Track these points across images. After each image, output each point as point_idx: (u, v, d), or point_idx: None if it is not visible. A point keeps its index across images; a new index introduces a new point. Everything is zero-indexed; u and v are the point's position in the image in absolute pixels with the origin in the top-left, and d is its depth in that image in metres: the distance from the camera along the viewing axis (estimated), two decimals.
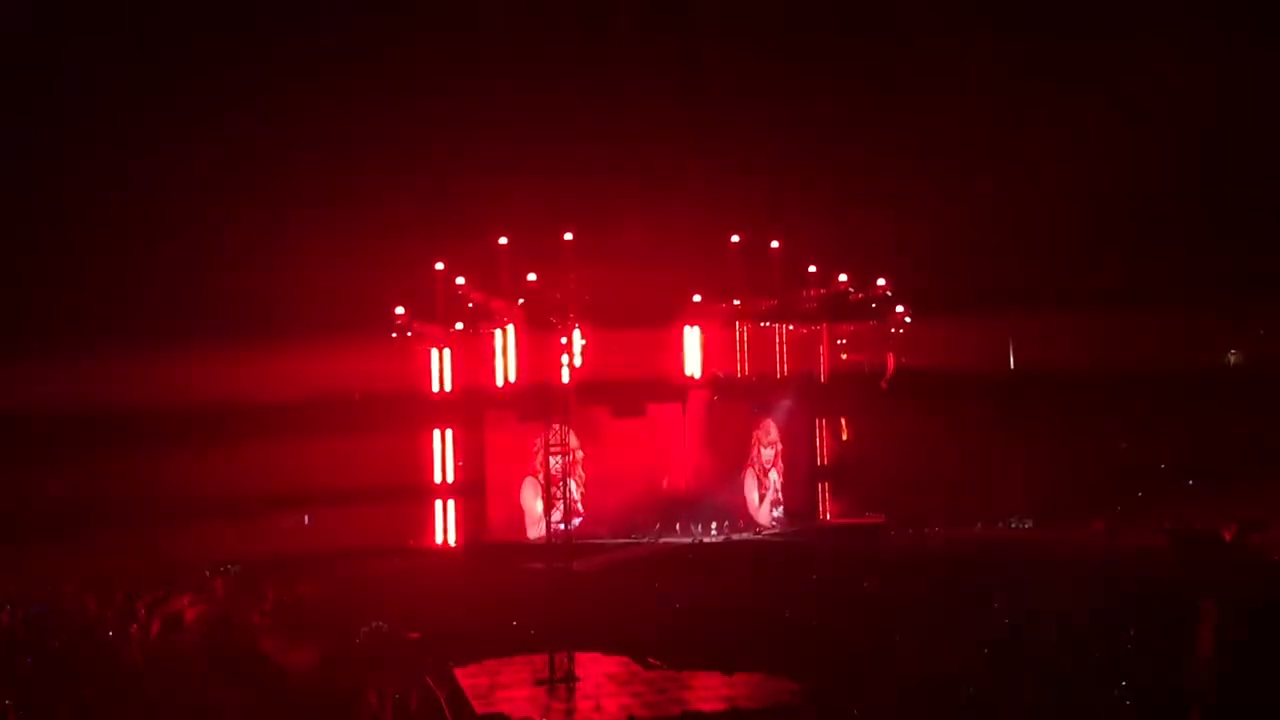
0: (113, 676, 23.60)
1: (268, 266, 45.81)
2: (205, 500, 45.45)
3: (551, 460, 32.80)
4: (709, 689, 27.18)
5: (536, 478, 46.41)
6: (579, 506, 47.29)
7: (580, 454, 48.24)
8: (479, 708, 25.36)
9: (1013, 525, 47.87)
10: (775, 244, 50.52)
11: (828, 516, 52.73)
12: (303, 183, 47.92)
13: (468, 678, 28.04)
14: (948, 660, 26.59)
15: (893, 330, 51.39)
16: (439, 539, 48.02)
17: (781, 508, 52.32)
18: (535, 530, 47.09)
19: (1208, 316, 46.64)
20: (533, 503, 47.92)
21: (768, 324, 52.17)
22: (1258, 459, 47.04)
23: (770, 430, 52.85)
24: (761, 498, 52.68)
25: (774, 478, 52.87)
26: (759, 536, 48.96)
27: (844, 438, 55.13)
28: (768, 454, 53.01)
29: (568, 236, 47.31)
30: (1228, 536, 40.89)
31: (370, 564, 40.84)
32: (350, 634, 30.73)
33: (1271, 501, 42.82)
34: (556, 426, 32.54)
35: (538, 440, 33.58)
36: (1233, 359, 56.31)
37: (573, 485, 46.81)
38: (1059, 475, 51.19)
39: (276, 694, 24.67)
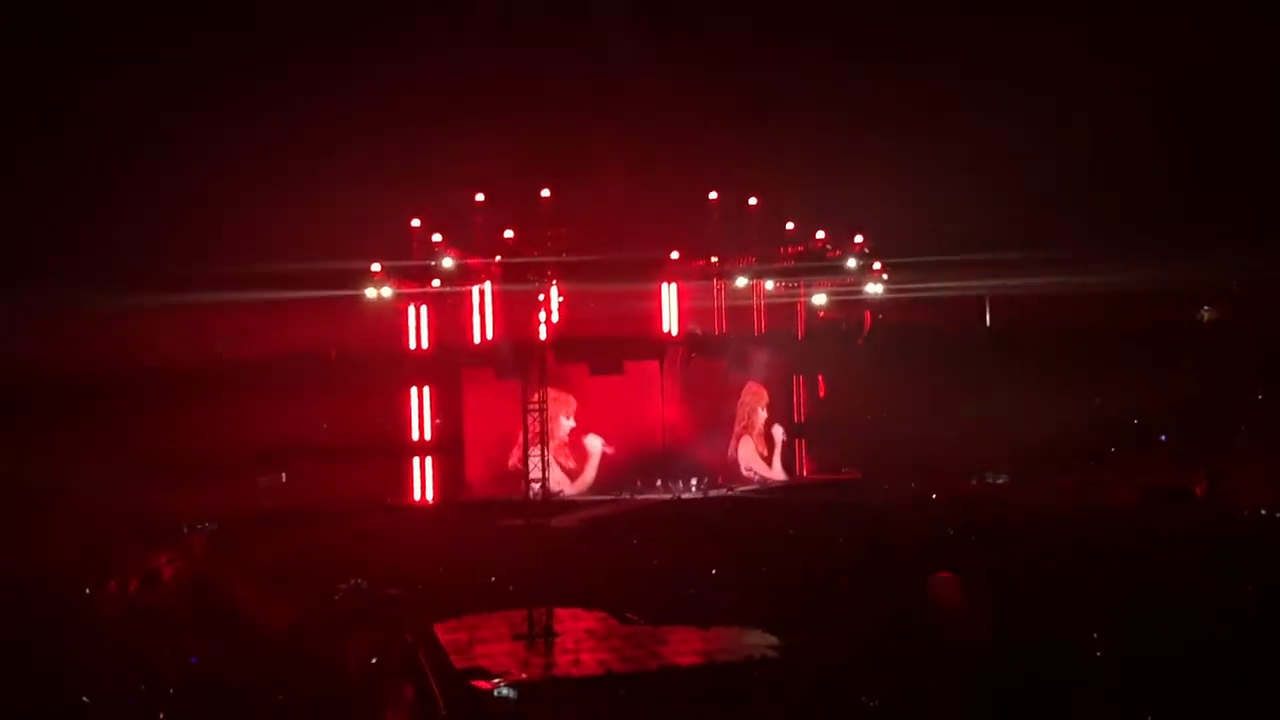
0: (91, 632, 23.62)
1: (242, 224, 45.53)
2: (181, 458, 45.35)
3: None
4: (686, 643, 27.44)
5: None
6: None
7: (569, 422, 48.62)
8: (458, 663, 25.48)
9: (988, 480, 48.27)
10: (753, 201, 50.43)
11: (804, 473, 53.07)
12: (278, 141, 47.45)
13: (447, 634, 28.18)
14: (919, 614, 27.00)
15: (870, 288, 51.45)
16: (417, 496, 48.08)
17: (757, 464, 52.70)
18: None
19: (1182, 273, 46.88)
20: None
21: (746, 281, 52.19)
22: (1229, 413, 47.59)
23: (764, 394, 53.11)
24: (768, 458, 53.07)
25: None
26: (734, 493, 49.23)
27: (821, 395, 55.39)
28: (763, 415, 53.32)
29: (545, 194, 47.09)
30: (1199, 491, 41.42)
31: (349, 521, 40.85)
32: (330, 591, 30.84)
33: (1240, 454, 43.35)
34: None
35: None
36: (1206, 315, 56.72)
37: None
38: (1034, 431, 51.62)
39: (256, 650, 24.75)
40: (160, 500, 41.94)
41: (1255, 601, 25.73)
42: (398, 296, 48.46)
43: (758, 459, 52.76)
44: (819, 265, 51.69)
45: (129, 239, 43.64)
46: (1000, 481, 47.56)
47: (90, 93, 44.85)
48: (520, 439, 36.38)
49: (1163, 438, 47.55)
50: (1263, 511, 37.47)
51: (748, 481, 51.44)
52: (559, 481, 47.32)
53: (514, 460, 45.91)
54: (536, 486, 32.24)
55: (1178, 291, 50.99)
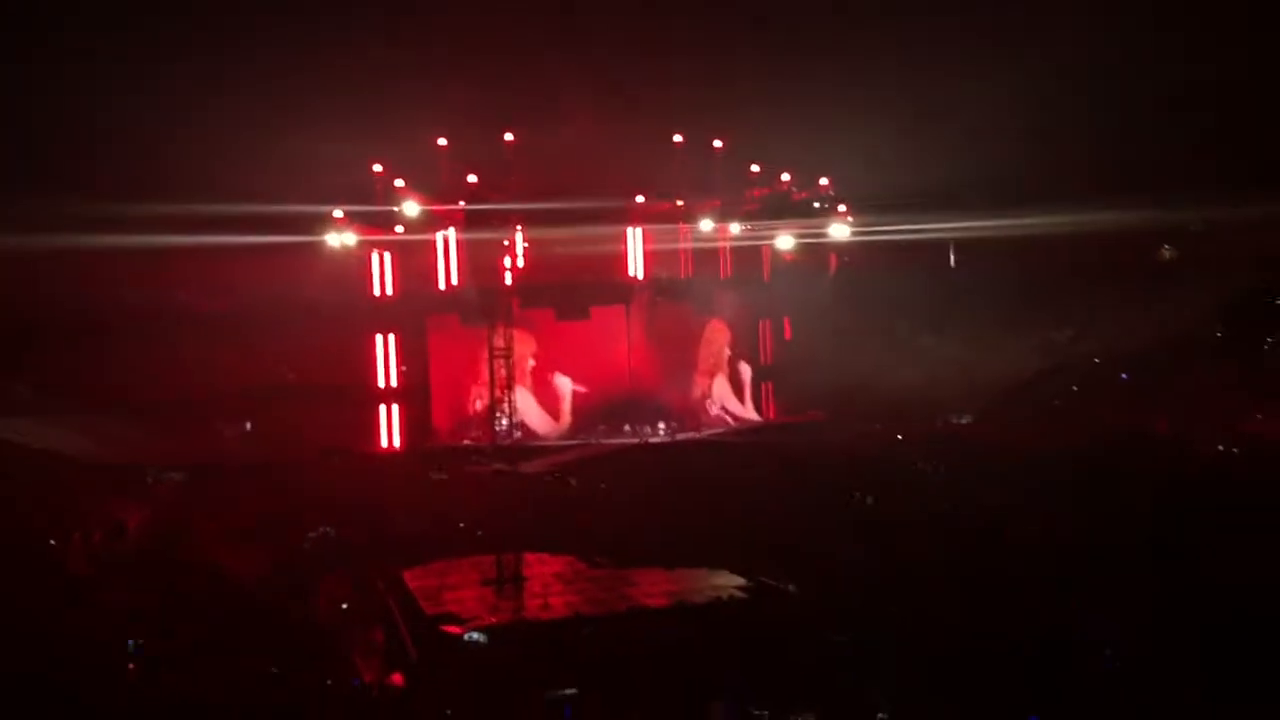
0: (57, 584, 23.50)
1: (200, 167, 44.75)
2: (144, 405, 45.01)
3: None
4: (654, 585, 27.66)
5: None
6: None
7: (531, 362, 48.51)
8: (428, 609, 25.59)
9: (953, 420, 48.67)
10: (718, 144, 50.18)
11: (771, 414, 53.33)
12: (236, 81, 46.57)
13: (416, 580, 28.25)
14: (884, 551, 27.31)
15: (835, 230, 51.47)
16: (384, 443, 47.96)
17: (724, 407, 52.93)
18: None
19: (1142, 212, 47.13)
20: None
21: (711, 224, 52.04)
22: (1190, 352, 48.08)
23: (728, 333, 53.24)
24: (741, 396, 53.31)
25: (745, 373, 53.62)
26: (702, 436, 49.46)
27: (787, 337, 55.55)
28: (728, 354, 53.53)
29: (508, 138, 46.66)
30: (1160, 429, 41.94)
31: (316, 469, 40.70)
32: (298, 539, 30.81)
33: (1201, 392, 43.86)
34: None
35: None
36: (1167, 254, 57.12)
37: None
38: (998, 371, 52.07)
39: (223, 599, 24.74)
40: (123, 449, 41.69)
41: (1213, 536, 26.18)
42: (360, 243, 48.04)
43: (731, 396, 53.05)
44: (784, 208, 51.64)
45: (82, 176, 42.74)
46: (965, 421, 47.95)
47: (49, 25, 43.99)
48: (486, 385, 36.35)
49: (1124, 376, 48.01)
50: (1220, 448, 38.02)
51: (715, 424, 51.68)
52: (535, 424, 47.62)
53: (480, 406, 45.93)
54: (503, 431, 32.31)
55: (1139, 232, 51.22)
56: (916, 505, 32.12)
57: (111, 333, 46.85)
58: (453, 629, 23.48)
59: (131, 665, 17.50)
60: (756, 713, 18.08)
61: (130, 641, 19.02)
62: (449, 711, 14.84)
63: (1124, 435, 39.09)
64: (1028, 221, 47.64)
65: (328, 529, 31.11)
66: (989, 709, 16.67)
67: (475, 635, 23.11)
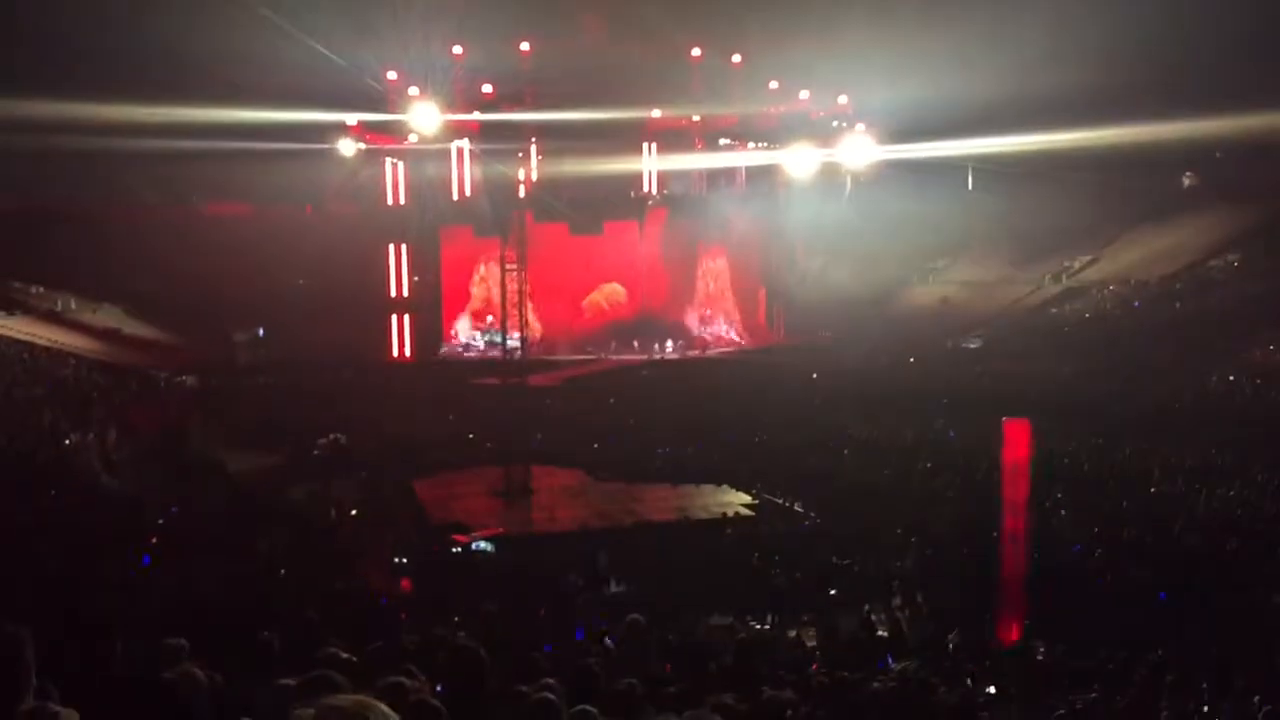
0: (71, 483, 23.79)
1: (218, 71, 44.32)
2: (157, 307, 45.24)
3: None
4: (660, 500, 27.90)
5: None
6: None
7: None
8: (435, 518, 25.87)
9: (963, 345, 48.63)
10: (736, 58, 49.46)
11: (781, 336, 53.32)
12: None
13: (424, 489, 28.56)
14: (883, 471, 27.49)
15: (853, 149, 50.90)
16: (394, 352, 48.12)
17: (734, 326, 52.98)
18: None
19: (1166, 126, 46.29)
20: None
21: (727, 141, 51.58)
22: (1208, 280, 47.81)
23: (737, 256, 53.10)
24: (742, 321, 53.34)
25: (758, 289, 53.70)
26: (711, 354, 49.55)
27: (800, 257, 55.41)
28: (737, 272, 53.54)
29: (524, 48, 46.06)
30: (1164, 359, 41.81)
31: (327, 377, 40.94)
32: (309, 445, 31.08)
33: (1213, 322, 43.62)
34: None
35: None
36: (1188, 181, 56.48)
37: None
38: (1010, 297, 51.94)
39: (231, 501, 25.05)
40: (137, 352, 41.98)
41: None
42: (373, 151, 47.76)
43: (741, 315, 53.10)
44: (802, 126, 51.04)
45: (99, 78, 42.36)
46: (974, 346, 47.95)
47: None
48: (497, 297, 36.26)
49: (1135, 305, 47.77)
50: (1231, 378, 37.90)
51: (724, 343, 51.75)
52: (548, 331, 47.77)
53: (491, 319, 45.96)
54: (515, 344, 32.36)
55: (1160, 156, 50.54)
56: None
57: (126, 233, 46.99)
58: (460, 538, 23.75)
59: (135, 561, 17.75)
60: (757, 626, 18.34)
61: (135, 538, 19.28)
62: (455, 619, 15.07)
63: (1126, 364, 38.92)
64: (1048, 141, 47.09)
65: (338, 435, 31.34)
66: (984, 627, 16.88)
67: (482, 544, 23.39)
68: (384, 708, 3.44)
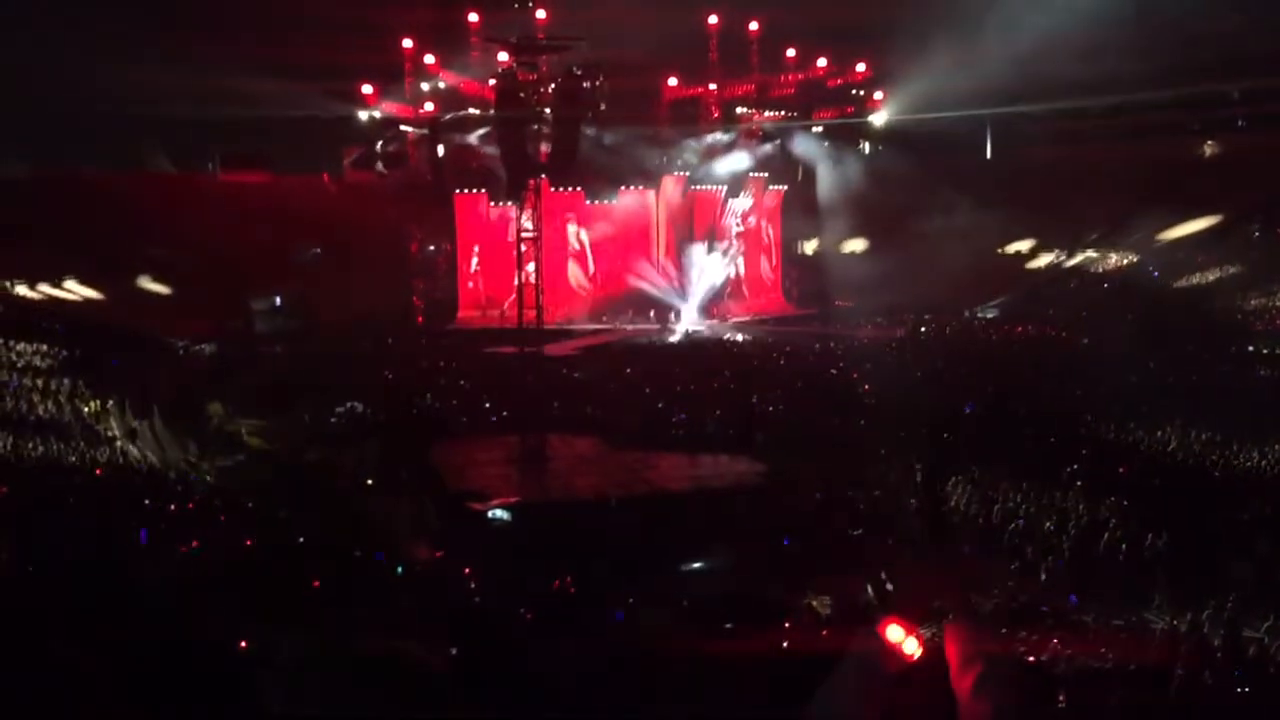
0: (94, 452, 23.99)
1: (229, 40, 44.38)
2: (175, 275, 45.39)
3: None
4: (677, 469, 27.91)
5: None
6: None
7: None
8: (452, 485, 25.96)
9: (979, 316, 48.53)
10: (754, 26, 49.17)
11: (796, 304, 53.22)
12: None
13: (441, 457, 28.65)
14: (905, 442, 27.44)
15: (871, 117, 50.64)
16: (411, 320, 48.19)
17: (752, 294, 52.88)
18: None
19: (1188, 106, 45.91)
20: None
21: (745, 109, 51.30)
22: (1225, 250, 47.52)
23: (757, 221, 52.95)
24: (757, 291, 53.26)
25: (766, 268, 53.47)
26: (727, 322, 49.49)
27: (817, 227, 55.16)
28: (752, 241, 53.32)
29: (540, 16, 45.84)
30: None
31: (345, 345, 41.01)
32: (326, 414, 31.20)
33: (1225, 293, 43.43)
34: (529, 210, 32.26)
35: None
36: (1208, 150, 55.98)
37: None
38: (1025, 266, 51.72)
39: (248, 468, 25.25)
40: (157, 318, 42.14)
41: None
42: (389, 118, 47.69)
43: (756, 283, 53.02)
44: (819, 94, 50.77)
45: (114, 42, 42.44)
46: (990, 316, 47.80)
47: None
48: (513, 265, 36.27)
49: (1154, 273, 47.52)
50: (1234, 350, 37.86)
51: (740, 312, 51.66)
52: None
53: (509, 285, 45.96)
54: (529, 312, 32.36)
55: (1181, 126, 50.17)
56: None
57: (145, 201, 47.13)
58: (476, 505, 23.85)
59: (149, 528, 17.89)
60: (772, 595, 18.39)
61: (148, 500, 19.40)
62: (473, 585, 15.19)
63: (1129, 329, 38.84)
64: (1068, 108, 46.77)
65: (355, 404, 31.45)
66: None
67: (498, 512, 23.49)
68: None
